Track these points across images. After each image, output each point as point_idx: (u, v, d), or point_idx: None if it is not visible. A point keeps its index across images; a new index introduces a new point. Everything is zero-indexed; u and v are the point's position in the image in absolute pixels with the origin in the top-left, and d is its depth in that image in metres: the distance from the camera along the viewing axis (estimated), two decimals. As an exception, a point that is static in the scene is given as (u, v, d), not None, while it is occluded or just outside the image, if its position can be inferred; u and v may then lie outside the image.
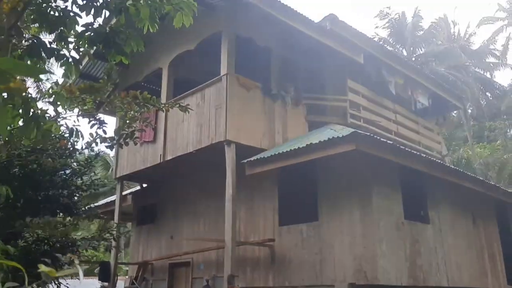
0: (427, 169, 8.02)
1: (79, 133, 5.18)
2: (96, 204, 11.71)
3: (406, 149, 7.86)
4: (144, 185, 12.72)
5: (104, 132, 5.18)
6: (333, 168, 8.00)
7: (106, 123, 5.23)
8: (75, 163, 7.87)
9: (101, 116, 5.20)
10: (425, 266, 7.97)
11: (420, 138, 12.51)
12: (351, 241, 7.46)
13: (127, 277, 12.22)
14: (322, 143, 7.15)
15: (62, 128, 5.02)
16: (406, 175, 8.14)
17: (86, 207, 8.13)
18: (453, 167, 9.76)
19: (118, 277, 13.01)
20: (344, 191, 7.77)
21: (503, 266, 10.42)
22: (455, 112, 32.63)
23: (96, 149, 8.39)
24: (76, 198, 7.99)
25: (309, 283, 7.87)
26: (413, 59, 27.25)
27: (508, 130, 40.14)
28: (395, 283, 7.22)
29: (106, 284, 10.36)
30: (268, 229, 8.84)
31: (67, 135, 5.19)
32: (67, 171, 7.82)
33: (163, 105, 5.58)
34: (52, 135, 5.15)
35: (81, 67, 10.97)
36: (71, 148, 6.58)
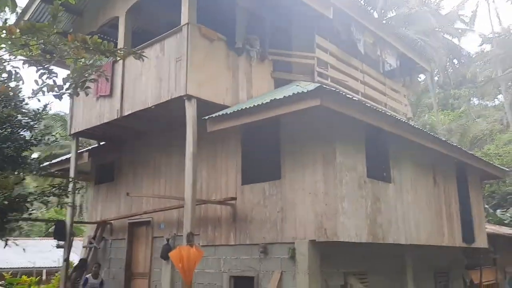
0: (391, 128, 7.91)
1: (19, 76, 4.70)
2: (50, 162, 11.12)
3: (372, 106, 7.69)
4: (102, 143, 12.18)
5: (54, 82, 4.71)
6: (297, 126, 7.77)
7: (56, 73, 4.75)
8: (20, 115, 7.31)
9: (53, 68, 4.70)
10: (384, 224, 8.00)
11: (386, 100, 12.42)
12: (313, 198, 7.34)
13: (85, 237, 11.87)
14: (286, 98, 6.86)
15: (-1, 72, 4.53)
16: (370, 133, 8.02)
17: (38, 163, 7.63)
18: (417, 127, 9.72)
19: (76, 237, 12.66)
20: (307, 149, 7.59)
21: (459, 225, 10.71)
22: (422, 79, 33.16)
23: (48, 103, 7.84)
24: (25, 153, 7.48)
25: (270, 241, 7.77)
26: (384, 22, 27.01)
27: (472, 98, 41.22)
28: (354, 240, 7.21)
29: (62, 243, 9.99)
30: (231, 187, 8.62)
31: (4, 78, 4.69)
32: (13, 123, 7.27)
33: (116, 51, 5.09)
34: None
35: (29, 15, 10.17)
36: (12, 94, 6.04)
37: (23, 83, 4.86)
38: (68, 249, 9.81)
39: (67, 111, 11.62)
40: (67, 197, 7.26)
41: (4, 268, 14.40)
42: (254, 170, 8.37)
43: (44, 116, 7.95)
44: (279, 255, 7.62)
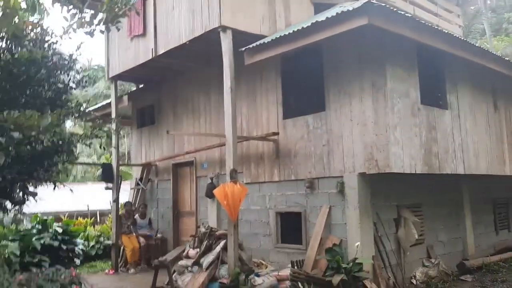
0: (447, 47, 7.09)
1: (42, 8, 4.34)
2: (91, 108, 11.15)
3: (426, 23, 6.87)
4: (141, 86, 12.03)
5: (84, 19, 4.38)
6: (342, 52, 7.15)
7: (87, 11, 4.42)
8: (55, 56, 7.09)
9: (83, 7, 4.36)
10: (441, 153, 7.43)
11: (438, 22, 11.29)
12: (361, 129, 6.85)
13: (132, 179, 12.08)
14: (329, 20, 6.20)
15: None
16: (424, 55, 7.27)
17: (78, 107, 7.50)
18: (476, 45, 8.75)
19: (125, 181, 12.95)
20: (354, 76, 6.99)
21: (522, 153, 9.91)
22: (472, 7, 30.32)
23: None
24: (64, 96, 7.35)
25: (316, 175, 7.46)
26: None
27: (528, 21, 37.63)
28: (408, 170, 6.74)
29: (110, 185, 10.19)
30: (272, 123, 8.26)
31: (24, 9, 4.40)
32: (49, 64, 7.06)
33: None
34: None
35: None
36: (41, 33, 5.80)
37: (47, 15, 4.54)
38: (116, 190, 10.00)
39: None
40: (109, 137, 7.15)
41: (61, 211, 15.18)
42: (296, 103, 7.92)
43: (79, 56, 7.75)
44: (326, 189, 7.32)
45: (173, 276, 7.60)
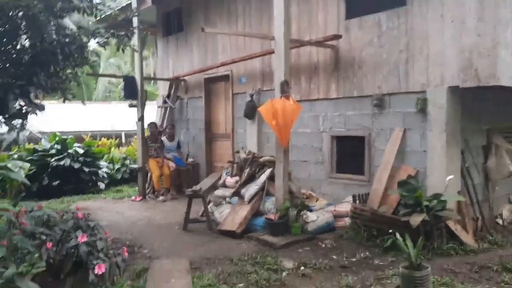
0: None
1: None
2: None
3: None
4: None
5: None
6: None
7: None
8: None
9: None
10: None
11: None
12: (457, 28, 5.12)
13: (159, 97, 10.76)
14: None
15: None
16: None
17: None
18: None
19: (150, 101, 11.68)
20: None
21: None
22: None
23: None
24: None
25: (388, 91, 5.89)
26: None
27: None
28: (524, 83, 5.10)
29: (134, 102, 8.89)
30: (330, 24, 6.55)
31: None
32: None
33: None
34: None
35: None
36: None
37: None
38: (141, 108, 8.71)
39: None
40: (128, 37, 5.67)
41: (83, 131, 14.22)
42: (364, -3, 6.16)
43: None
44: (400, 108, 5.78)
45: (209, 207, 6.48)
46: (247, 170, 6.21)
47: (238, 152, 6.88)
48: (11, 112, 4.18)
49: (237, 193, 6.25)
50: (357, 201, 5.74)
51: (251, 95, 7.74)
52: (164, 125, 9.50)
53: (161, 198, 8.44)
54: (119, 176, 10.69)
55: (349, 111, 6.40)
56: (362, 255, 4.96)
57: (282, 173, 5.66)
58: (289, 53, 5.75)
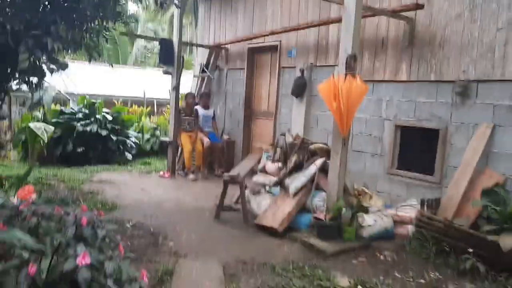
0: None
1: None
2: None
3: None
4: None
5: None
6: None
7: None
8: None
9: None
10: None
11: None
12: None
13: (196, 65, 9.90)
14: None
15: None
16: None
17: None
18: None
19: (185, 69, 10.84)
20: None
21: None
22: None
23: None
24: None
25: (476, 76, 4.81)
26: None
27: None
28: None
29: (169, 69, 8.06)
30: (407, -8, 5.46)
31: None
32: None
33: None
34: None
35: None
36: None
37: None
38: (177, 75, 7.87)
39: None
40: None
41: (114, 96, 13.54)
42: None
43: None
44: (491, 99, 4.70)
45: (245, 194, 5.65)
46: (294, 158, 5.31)
47: (283, 134, 5.96)
48: (21, 66, 3.41)
49: (280, 183, 5.37)
50: (425, 207, 4.77)
51: (302, 71, 6.77)
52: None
53: (191, 176, 7.69)
54: (148, 147, 10.01)
55: (421, 98, 5.35)
56: (432, 275, 4.02)
57: (339, 166, 4.73)
58: (360, 23, 4.72)
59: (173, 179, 7.72)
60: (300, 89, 6.77)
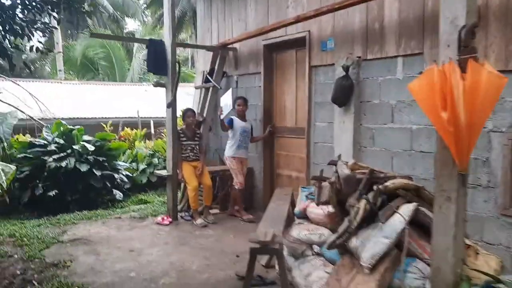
0: None
1: None
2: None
3: None
4: None
5: None
6: None
7: None
8: None
9: None
10: None
11: None
12: None
13: (198, 75, 7.95)
14: None
15: None
16: None
17: None
18: None
19: (184, 82, 8.90)
20: None
21: None
22: None
23: None
24: None
25: None
26: None
27: None
28: None
29: (162, 81, 6.09)
30: None
31: None
32: None
33: None
34: None
35: None
36: None
37: None
38: (172, 88, 5.91)
39: None
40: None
41: (104, 118, 11.46)
42: None
43: None
44: None
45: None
46: (362, 204, 3.28)
47: (333, 163, 3.94)
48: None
49: (338, 245, 3.35)
50: None
51: (346, 68, 4.78)
52: (205, 113, 6.70)
53: (199, 221, 5.70)
54: (144, 179, 8.05)
55: (558, 94, 3.33)
56: None
57: (454, 220, 2.70)
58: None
59: (175, 226, 5.72)
60: (345, 94, 4.79)
